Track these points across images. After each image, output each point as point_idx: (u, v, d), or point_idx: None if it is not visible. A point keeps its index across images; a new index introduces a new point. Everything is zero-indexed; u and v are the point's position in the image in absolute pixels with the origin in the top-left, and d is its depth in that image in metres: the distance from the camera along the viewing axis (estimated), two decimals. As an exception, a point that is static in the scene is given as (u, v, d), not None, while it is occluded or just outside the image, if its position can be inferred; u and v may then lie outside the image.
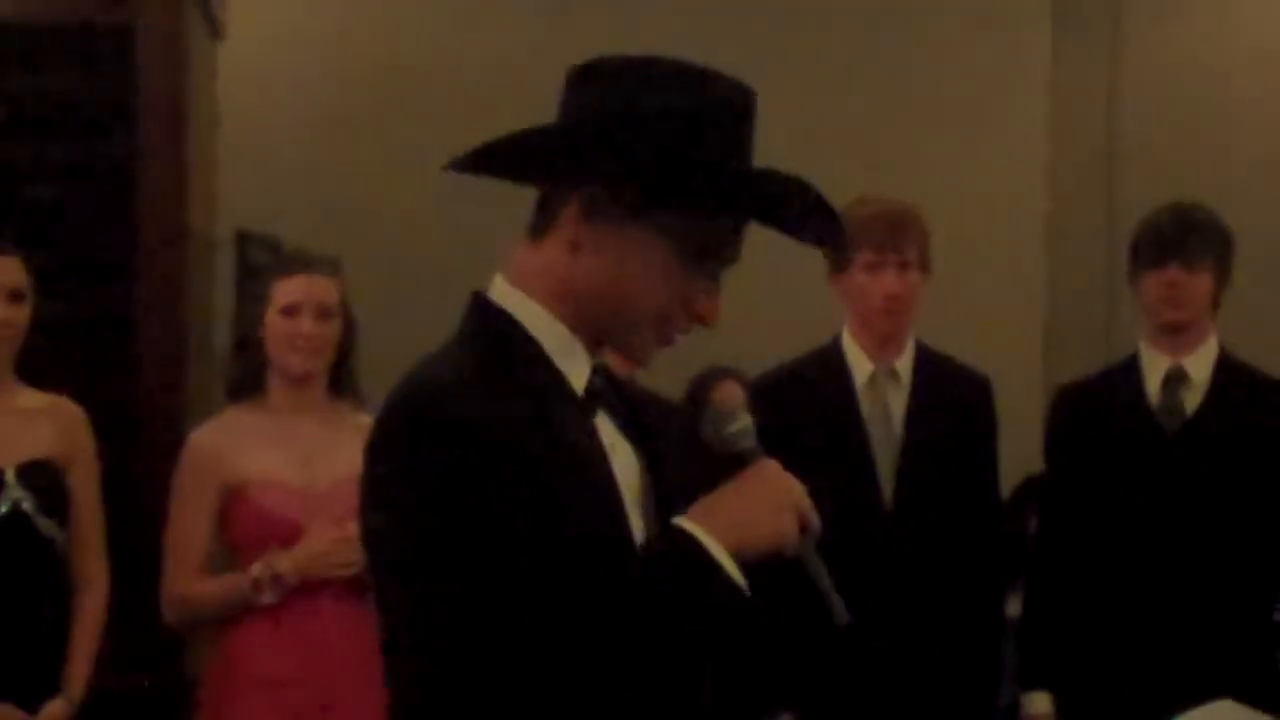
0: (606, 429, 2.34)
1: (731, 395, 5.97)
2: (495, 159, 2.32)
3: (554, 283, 2.30)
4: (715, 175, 2.27)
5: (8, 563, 4.28)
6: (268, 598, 4.25)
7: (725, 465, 2.34)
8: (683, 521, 2.22)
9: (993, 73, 7.24)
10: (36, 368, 4.50)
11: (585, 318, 2.31)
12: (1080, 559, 4.59)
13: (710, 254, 2.31)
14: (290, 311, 4.35)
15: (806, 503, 2.28)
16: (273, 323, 4.36)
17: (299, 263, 4.44)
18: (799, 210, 2.31)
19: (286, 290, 4.37)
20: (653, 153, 2.23)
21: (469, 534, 2.10)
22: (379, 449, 2.21)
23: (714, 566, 2.17)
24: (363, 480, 2.24)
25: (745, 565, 2.21)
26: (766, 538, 2.23)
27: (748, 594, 2.20)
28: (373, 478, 2.22)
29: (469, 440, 2.12)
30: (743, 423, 2.36)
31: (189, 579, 4.33)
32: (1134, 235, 4.66)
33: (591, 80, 2.30)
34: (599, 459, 2.27)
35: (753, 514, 2.23)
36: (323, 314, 4.37)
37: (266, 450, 4.36)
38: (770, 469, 2.30)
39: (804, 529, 2.28)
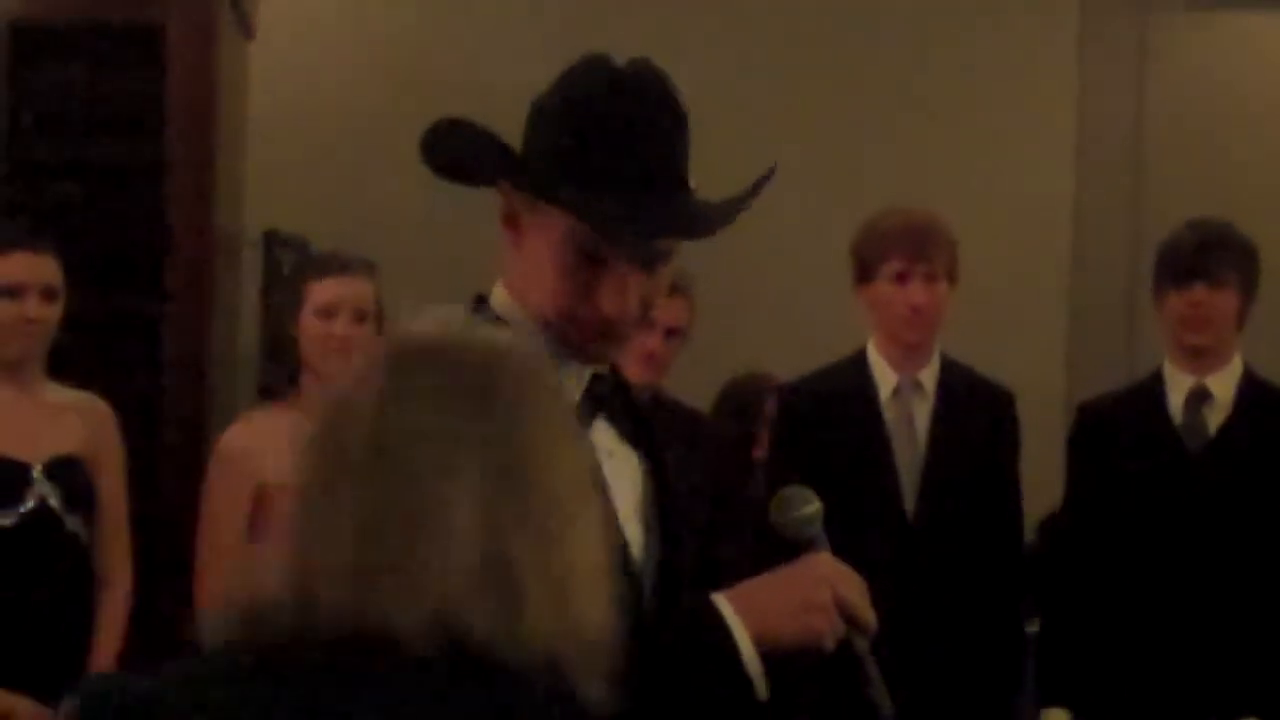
0: (605, 436, 2.34)
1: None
2: (438, 154, 2.36)
3: (519, 285, 2.34)
4: (548, 167, 2.28)
5: (34, 558, 4.29)
6: None
7: (785, 545, 2.31)
8: (721, 603, 2.20)
9: (1018, 88, 7.22)
10: (61, 364, 4.51)
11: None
12: (1101, 576, 4.58)
13: (591, 250, 2.27)
14: (326, 313, 4.33)
15: (860, 602, 2.24)
16: (307, 323, 4.34)
17: (335, 263, 4.41)
18: (617, 213, 2.27)
19: (322, 291, 4.35)
20: (531, 146, 2.28)
21: None
22: None
23: (735, 657, 2.17)
24: None
25: (778, 655, 2.19)
26: (793, 635, 2.20)
27: (760, 690, 2.18)
28: None
29: None
30: (809, 509, 2.33)
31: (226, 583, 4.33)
32: (1158, 253, 4.65)
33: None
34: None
35: (786, 608, 2.20)
36: (359, 316, 4.35)
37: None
38: (822, 564, 2.26)
39: (856, 626, 2.24)
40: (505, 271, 2.35)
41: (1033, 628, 4.76)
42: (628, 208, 2.24)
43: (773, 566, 2.27)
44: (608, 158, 2.25)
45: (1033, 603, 4.75)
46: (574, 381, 2.31)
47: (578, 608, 1.75)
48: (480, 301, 2.36)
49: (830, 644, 2.22)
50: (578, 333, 2.30)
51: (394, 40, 7.02)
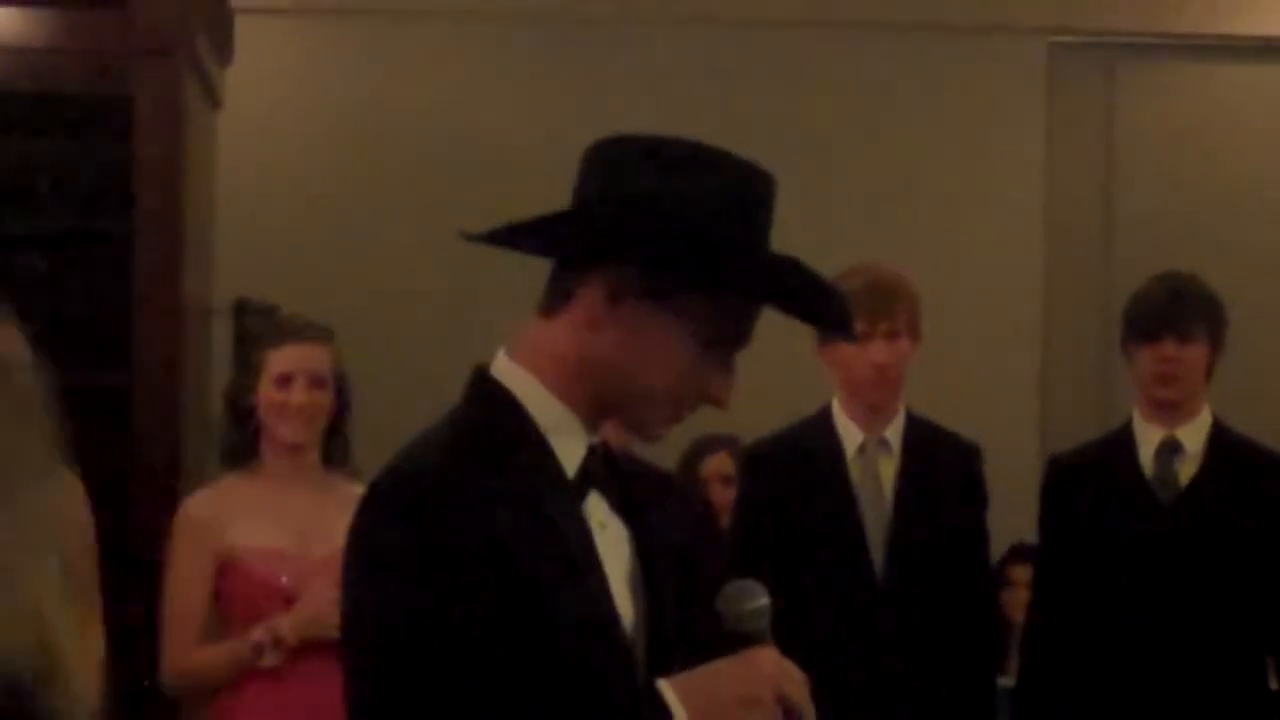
0: (599, 509, 2.34)
1: (723, 466, 5.98)
2: (526, 237, 2.32)
3: (563, 361, 2.29)
4: (743, 260, 2.27)
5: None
6: (269, 660, 4.23)
7: (730, 638, 2.30)
8: (665, 690, 2.19)
9: (986, 142, 7.25)
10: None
11: (593, 396, 2.31)
12: (1074, 628, 4.58)
13: (728, 338, 2.31)
14: (283, 381, 4.35)
15: (803, 700, 2.23)
16: (265, 392, 4.36)
17: (291, 331, 4.44)
18: (817, 297, 2.32)
19: (279, 360, 4.36)
20: (682, 236, 2.23)
21: (426, 630, 2.11)
22: (355, 531, 2.23)
23: None
24: (344, 557, 2.24)
25: None
26: None
27: None
28: (348, 559, 2.23)
29: (439, 531, 2.13)
30: (757, 604, 2.31)
31: (189, 650, 4.32)
32: (1126, 308, 4.67)
33: (614, 158, 2.30)
34: (583, 544, 2.26)
35: (729, 701, 2.20)
36: (315, 383, 4.37)
37: (260, 520, 4.35)
38: (765, 657, 2.26)
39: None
40: (530, 345, 2.32)
41: (1007, 681, 4.76)
42: (832, 301, 2.34)
43: (715, 656, 2.26)
44: (789, 258, 2.28)
45: (1006, 656, 4.75)
46: (573, 453, 2.31)
47: None
48: (480, 373, 2.34)
49: None
50: (670, 414, 2.34)
51: (361, 108, 7.04)
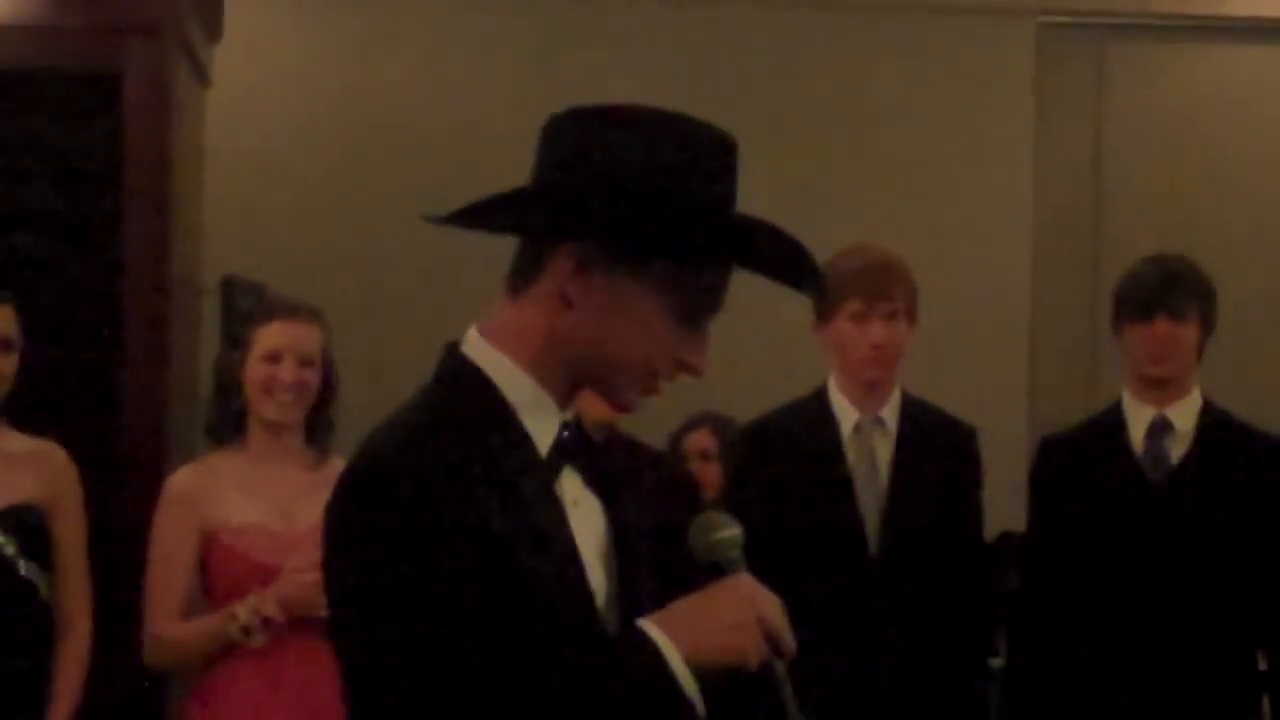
0: (572, 485, 2.33)
1: (704, 442, 5.99)
2: (488, 216, 2.31)
3: (534, 337, 2.29)
4: (708, 224, 2.26)
5: (-11, 607, 4.28)
6: (258, 641, 4.23)
7: (705, 570, 2.31)
8: (646, 626, 2.20)
9: (978, 126, 7.26)
10: (20, 412, 4.50)
11: (565, 371, 2.30)
12: (1064, 608, 4.59)
13: (699, 305, 2.31)
14: (271, 358, 4.34)
15: (781, 624, 2.24)
16: (253, 369, 4.35)
17: (282, 309, 4.43)
18: (787, 257, 2.31)
19: (268, 337, 4.36)
20: (647, 205, 2.22)
21: (411, 608, 2.11)
22: (333, 512, 2.22)
23: (670, 677, 2.17)
24: (322, 539, 2.24)
25: (706, 675, 2.19)
26: (720, 653, 2.20)
27: (699, 707, 2.19)
28: (326, 536, 2.23)
29: (417, 511, 2.12)
30: (727, 533, 2.33)
31: (170, 622, 4.32)
32: (1117, 287, 4.67)
33: (572, 131, 2.29)
34: (555, 521, 2.26)
35: (713, 627, 2.20)
36: (304, 361, 4.36)
37: (244, 496, 4.35)
38: (744, 584, 2.27)
39: (778, 651, 2.24)
40: (500, 323, 2.31)
41: (999, 662, 4.76)
42: (801, 259, 2.31)
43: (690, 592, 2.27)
44: (755, 219, 2.28)
45: (999, 637, 4.75)
46: (546, 430, 2.31)
47: None
48: (451, 350, 2.33)
49: (754, 664, 2.22)
50: (644, 384, 2.32)
51: (350, 87, 7.04)
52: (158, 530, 4.37)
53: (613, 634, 2.30)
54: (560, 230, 2.27)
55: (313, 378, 4.39)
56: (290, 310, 4.42)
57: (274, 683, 4.26)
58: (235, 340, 4.48)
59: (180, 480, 4.42)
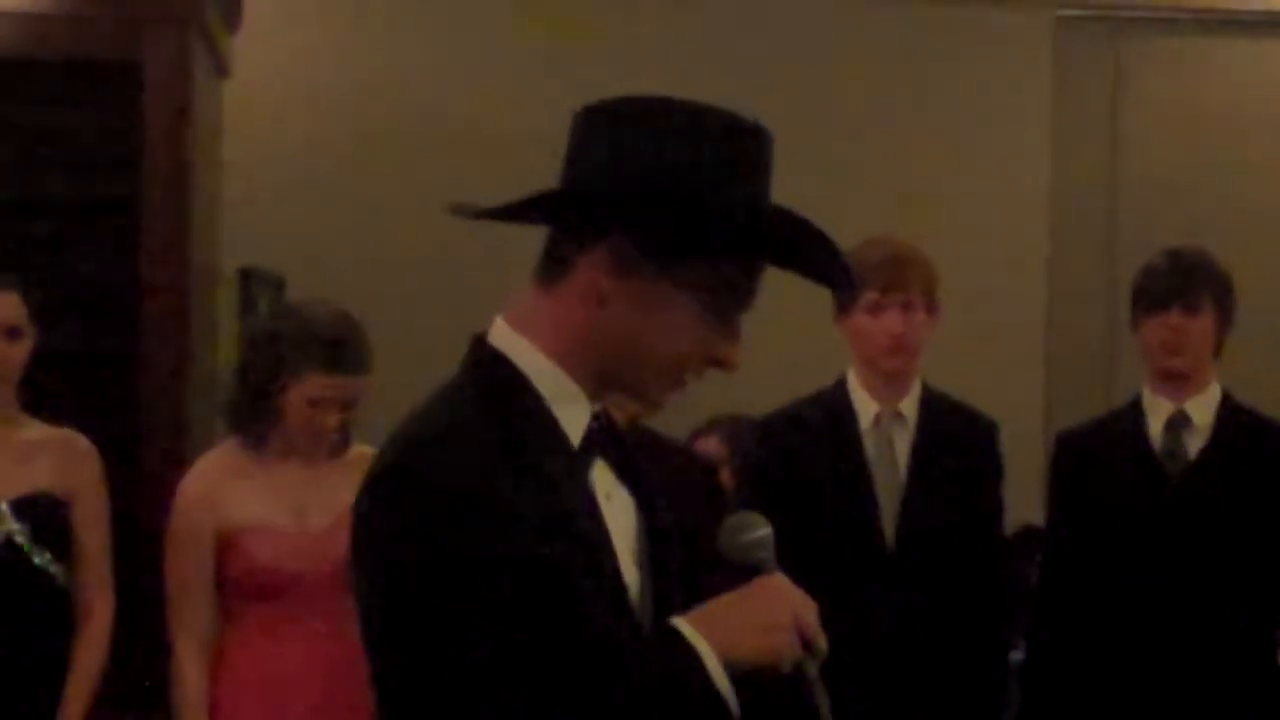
0: (604, 478, 2.32)
1: (714, 448, 5.97)
2: (524, 211, 2.29)
3: (568, 332, 2.27)
4: (745, 224, 2.25)
5: (2, 595, 4.29)
6: None
7: (737, 570, 2.31)
8: (682, 625, 2.20)
9: (994, 118, 7.25)
10: (38, 401, 4.50)
11: (596, 366, 2.28)
12: (1083, 602, 4.59)
13: (733, 301, 2.29)
14: (316, 403, 4.29)
15: (814, 625, 2.24)
16: (295, 403, 4.29)
17: (340, 361, 4.31)
18: (821, 256, 2.30)
19: (320, 385, 4.29)
20: (682, 204, 2.21)
21: (444, 602, 2.10)
22: (364, 507, 2.20)
23: (706, 677, 2.16)
24: (351, 532, 2.23)
25: (740, 675, 2.19)
26: (755, 653, 2.20)
27: (733, 707, 2.18)
28: (356, 535, 2.22)
29: (450, 505, 2.11)
30: (759, 533, 2.33)
31: (198, 657, 4.30)
32: (1134, 280, 4.68)
33: (605, 124, 2.27)
34: (589, 515, 2.25)
35: (747, 627, 2.20)
36: (345, 408, 4.33)
37: (258, 496, 4.33)
38: (776, 584, 2.27)
39: (809, 650, 2.24)
40: (528, 314, 2.29)
41: (1017, 655, 4.76)
42: (836, 257, 2.30)
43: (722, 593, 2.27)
44: (792, 214, 2.27)
45: (1016, 630, 4.75)
46: (577, 421, 2.29)
47: None
48: (479, 341, 2.33)
49: (788, 665, 2.22)
50: (674, 381, 2.31)
51: (368, 78, 7.03)
52: (172, 534, 4.36)
53: (646, 630, 2.29)
54: (596, 228, 2.25)
55: (347, 419, 4.38)
56: (351, 364, 4.31)
57: (279, 668, 4.27)
58: (277, 359, 4.34)
59: (191, 486, 4.39)
